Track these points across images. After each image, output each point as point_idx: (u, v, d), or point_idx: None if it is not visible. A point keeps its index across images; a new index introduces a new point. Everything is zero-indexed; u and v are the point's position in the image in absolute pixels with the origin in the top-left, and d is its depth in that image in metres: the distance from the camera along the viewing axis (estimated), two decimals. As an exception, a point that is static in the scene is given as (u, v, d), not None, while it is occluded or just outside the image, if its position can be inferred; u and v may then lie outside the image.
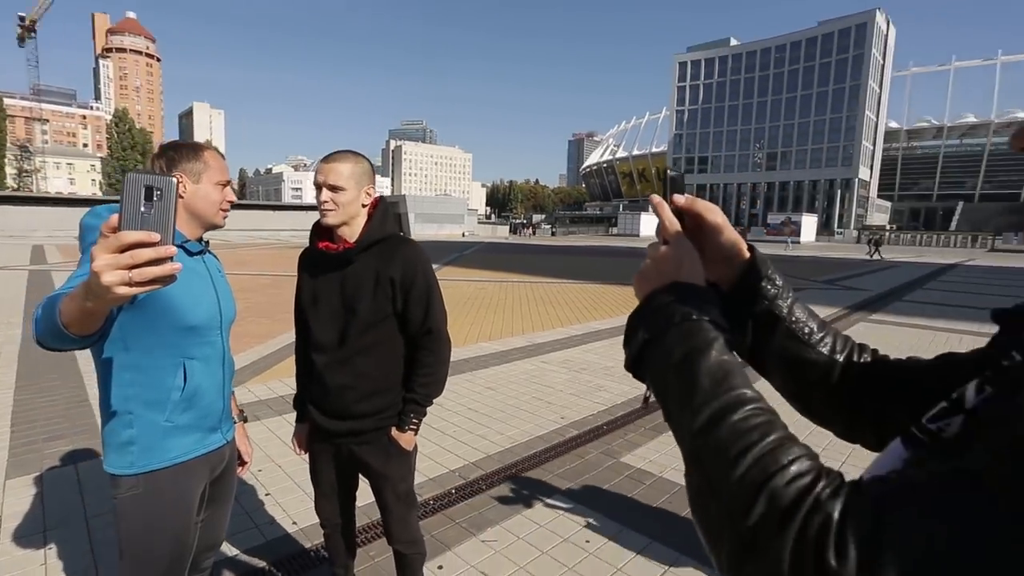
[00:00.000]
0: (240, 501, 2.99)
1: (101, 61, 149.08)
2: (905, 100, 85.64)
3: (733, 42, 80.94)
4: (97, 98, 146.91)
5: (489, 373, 5.60)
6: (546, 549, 2.61)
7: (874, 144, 72.98)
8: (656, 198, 0.65)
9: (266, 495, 3.09)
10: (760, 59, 77.30)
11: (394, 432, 1.81)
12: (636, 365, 0.57)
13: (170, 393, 1.45)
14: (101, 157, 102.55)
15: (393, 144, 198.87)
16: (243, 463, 1.85)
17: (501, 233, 61.25)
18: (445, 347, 1.85)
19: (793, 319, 0.70)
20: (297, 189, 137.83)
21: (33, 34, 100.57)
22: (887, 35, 70.92)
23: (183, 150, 1.52)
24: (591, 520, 2.87)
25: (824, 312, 9.68)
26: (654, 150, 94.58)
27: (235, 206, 1.63)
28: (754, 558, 0.39)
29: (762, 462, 0.42)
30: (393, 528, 1.92)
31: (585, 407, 4.61)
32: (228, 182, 1.58)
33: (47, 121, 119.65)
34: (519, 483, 3.27)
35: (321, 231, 1.80)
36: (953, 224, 67.84)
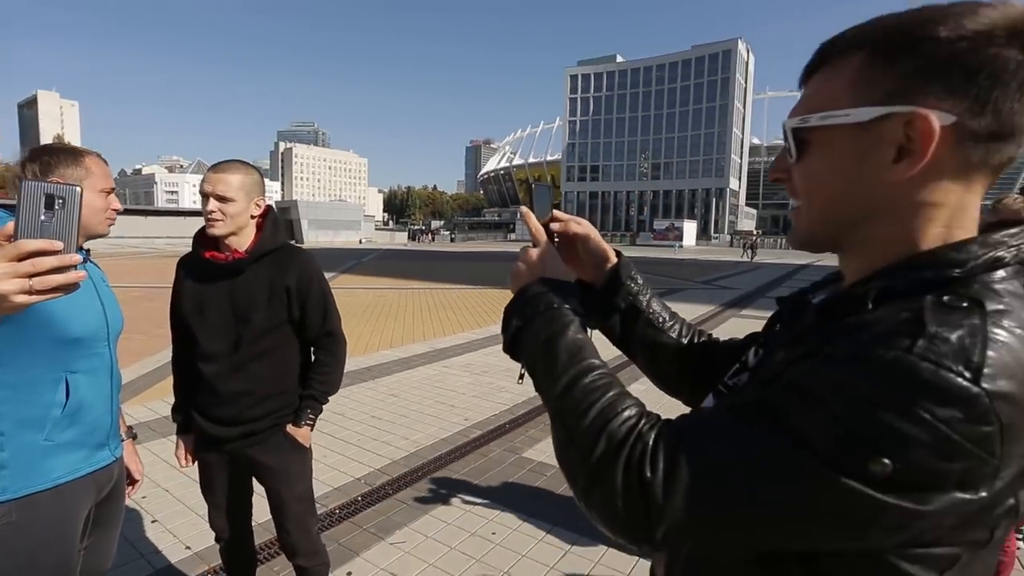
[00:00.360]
0: (123, 531, 2.77)
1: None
2: (764, 120, 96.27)
3: (619, 59, 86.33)
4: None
5: (391, 380, 5.58)
6: (454, 545, 2.71)
7: (741, 158, 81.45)
8: (523, 208, 0.80)
9: (153, 522, 2.89)
10: (643, 76, 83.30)
11: (290, 428, 1.82)
12: (511, 347, 0.70)
13: (50, 410, 1.37)
14: None
15: (283, 146, 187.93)
16: (133, 482, 1.77)
17: (400, 240, 60.15)
18: (342, 347, 1.93)
19: (651, 311, 0.89)
20: (172, 192, 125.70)
21: None
22: (748, 62, 79.59)
23: (60, 155, 1.45)
24: (497, 513, 3.00)
25: (702, 309, 10.68)
26: (549, 158, 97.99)
27: (102, 237, 1.57)
28: (599, 484, 0.52)
29: (603, 412, 0.55)
30: (293, 536, 1.89)
31: (488, 408, 4.76)
32: (112, 189, 1.53)
33: None
34: (426, 485, 3.34)
35: (206, 239, 1.77)
36: (806, 229, 77.20)
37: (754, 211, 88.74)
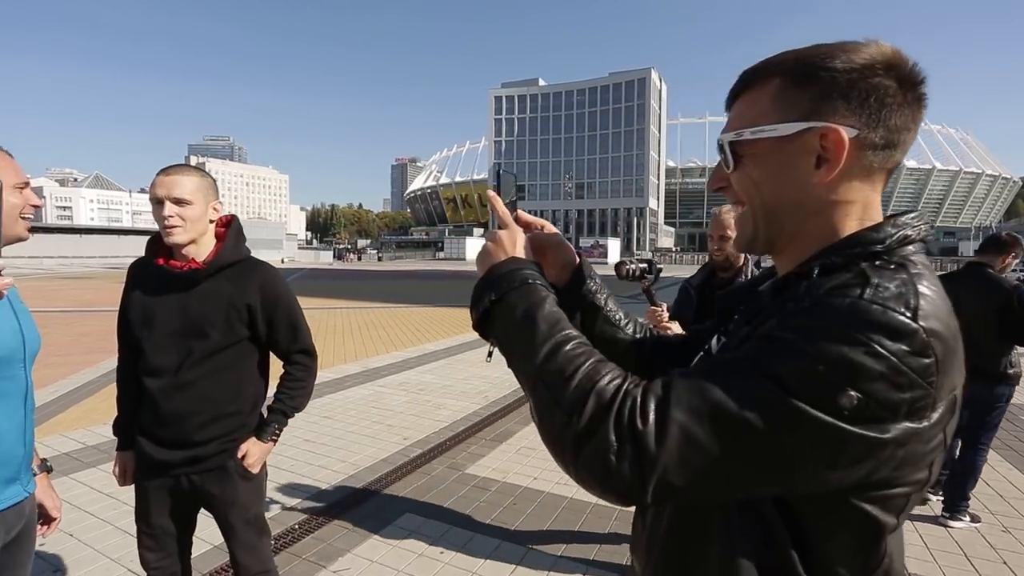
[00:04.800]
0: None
1: None
2: (678, 144, 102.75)
3: (541, 82, 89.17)
4: None
5: (324, 402, 5.35)
6: (402, 568, 2.62)
7: (658, 178, 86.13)
8: (490, 192, 0.84)
9: (55, 572, 2.58)
10: (565, 100, 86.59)
11: (251, 440, 1.70)
12: (481, 323, 0.72)
13: None
14: None
15: (195, 161, 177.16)
16: (49, 520, 1.58)
17: (324, 259, 58.18)
18: (315, 362, 1.86)
19: (608, 309, 0.95)
20: (65, 208, 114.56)
21: None
22: (661, 89, 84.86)
23: None
24: (443, 532, 2.94)
25: (629, 323, 11.07)
26: (476, 177, 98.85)
27: (22, 240, 1.42)
28: (589, 441, 0.55)
29: (589, 374, 0.58)
30: (246, 558, 1.75)
31: (427, 426, 4.67)
32: (26, 183, 1.39)
33: None
34: (367, 508, 3.21)
35: (159, 246, 1.66)
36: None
37: (672, 229, 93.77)
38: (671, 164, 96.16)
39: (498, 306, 0.69)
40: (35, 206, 1.41)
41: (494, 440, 4.34)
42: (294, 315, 1.78)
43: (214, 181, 1.71)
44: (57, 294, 16.15)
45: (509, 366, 0.67)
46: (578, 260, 0.94)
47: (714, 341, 0.80)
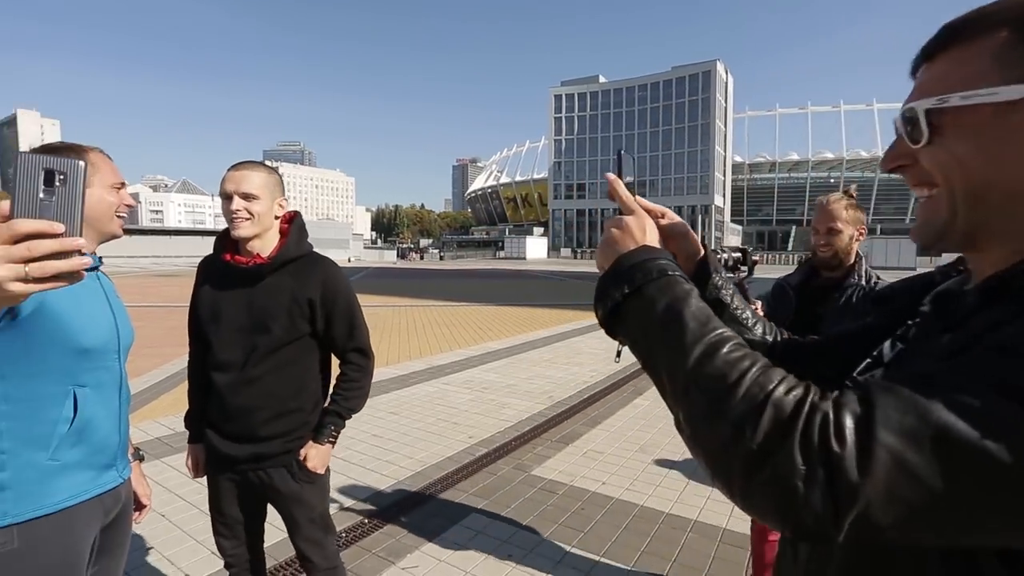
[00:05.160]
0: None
1: None
2: (745, 138, 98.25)
3: (602, 79, 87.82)
4: None
5: (391, 398, 5.45)
6: (469, 569, 2.59)
7: (724, 175, 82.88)
8: (610, 176, 0.74)
9: (150, 548, 2.74)
10: (626, 96, 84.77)
11: (310, 445, 1.71)
12: (611, 319, 0.63)
13: (56, 426, 1.26)
14: None
15: (270, 165, 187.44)
16: (141, 507, 1.65)
17: (388, 258, 59.97)
18: (371, 363, 1.84)
19: (735, 307, 0.84)
20: (157, 212, 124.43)
21: None
22: (727, 82, 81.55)
23: (63, 152, 1.37)
24: (511, 535, 2.89)
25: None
26: (536, 176, 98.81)
27: (116, 238, 1.49)
28: (767, 462, 0.45)
29: (759, 382, 0.48)
30: (312, 555, 1.78)
31: (492, 425, 4.65)
32: (123, 184, 1.44)
33: None
34: (434, 506, 3.22)
35: (228, 242, 1.69)
36: (790, 245, 78.81)
37: (739, 227, 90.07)
38: (738, 159, 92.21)
39: (632, 301, 0.60)
40: (129, 206, 1.47)
41: (560, 442, 4.26)
42: (353, 312, 1.77)
43: (280, 178, 1.74)
44: (150, 291, 17.47)
45: (646, 368, 0.59)
46: (703, 252, 0.84)
47: (887, 347, 0.66)
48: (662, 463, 3.83)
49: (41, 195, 0.65)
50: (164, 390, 5.54)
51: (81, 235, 0.68)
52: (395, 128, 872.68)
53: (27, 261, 0.65)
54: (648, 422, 4.72)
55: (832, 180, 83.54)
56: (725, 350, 0.52)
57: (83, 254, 0.69)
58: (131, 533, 1.58)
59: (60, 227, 0.66)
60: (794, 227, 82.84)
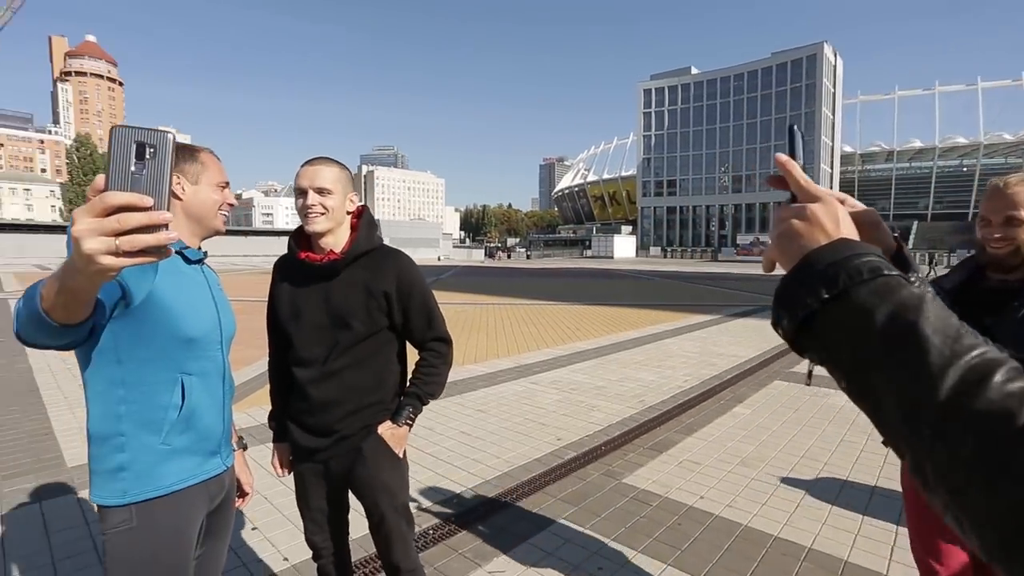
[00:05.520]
0: (225, 538, 2.78)
1: (60, 85, 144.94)
2: (856, 126, 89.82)
3: (694, 71, 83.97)
4: (56, 122, 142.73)
5: (478, 396, 5.46)
6: (558, 578, 2.48)
7: (832, 166, 76.34)
8: (782, 157, 0.58)
9: (253, 529, 2.89)
10: (720, 87, 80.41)
11: (387, 424, 1.70)
12: (802, 332, 0.48)
13: (166, 412, 1.31)
14: (61, 183, 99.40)
15: (365, 169, 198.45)
16: (243, 494, 1.70)
17: (476, 257, 61.27)
18: (451, 351, 1.83)
19: None
20: (268, 215, 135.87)
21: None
22: (836, 65, 74.94)
23: (178, 151, 1.42)
24: (601, 546, 2.75)
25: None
26: (624, 173, 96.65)
27: (219, 234, 1.54)
28: None
29: None
30: (394, 552, 1.77)
31: (580, 427, 4.51)
32: (227, 183, 1.50)
33: (2, 145, 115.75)
34: (520, 508, 3.14)
35: (301, 240, 1.71)
36: (911, 242, 70.90)
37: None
38: (848, 149, 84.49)
39: (835, 309, 0.46)
40: (231, 204, 1.51)
41: (652, 449, 4.03)
42: (429, 303, 1.75)
43: (351, 173, 1.73)
44: (259, 287, 18.99)
45: (852, 395, 0.45)
46: (897, 245, 0.68)
47: None
48: (768, 479, 3.50)
49: (132, 168, 0.64)
50: (271, 379, 5.92)
51: (168, 209, 0.67)
52: (483, 130, 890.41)
53: (118, 234, 0.65)
54: (750, 433, 4.36)
55: (965, 168, 74.39)
56: (1000, 377, 0.37)
57: (168, 229, 0.68)
58: (234, 517, 1.63)
59: (149, 200, 0.65)
60: (915, 222, 74.60)
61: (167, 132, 0.67)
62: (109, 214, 0.64)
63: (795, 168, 0.57)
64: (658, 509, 3.11)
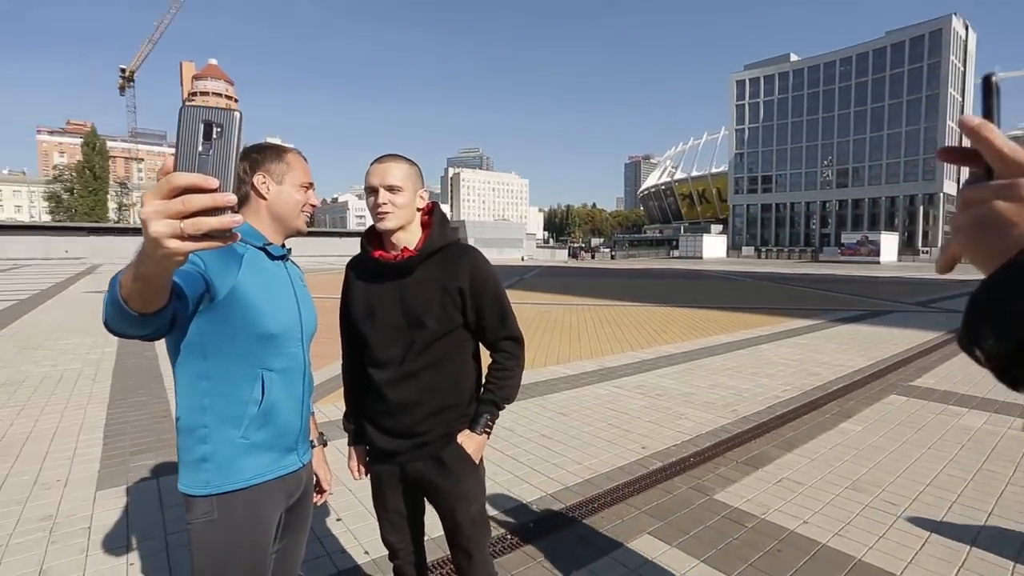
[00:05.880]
0: (313, 525, 2.87)
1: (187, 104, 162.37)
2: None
3: (793, 57, 78.28)
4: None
5: (560, 398, 5.34)
6: (642, 598, 2.32)
7: (959, 156, 68.07)
8: (973, 120, 0.43)
9: (337, 520, 2.97)
10: (824, 73, 74.28)
11: (465, 433, 1.65)
12: (1018, 356, 0.34)
13: (247, 407, 1.33)
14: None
15: (451, 172, 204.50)
16: (321, 491, 1.71)
17: (560, 257, 61.12)
18: (523, 351, 1.76)
19: None
20: (361, 216, 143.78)
21: (132, 83, 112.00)
22: (966, 40, 66.83)
23: (267, 151, 1.46)
24: (689, 566, 2.54)
25: (924, 336, 8.82)
26: (714, 170, 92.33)
27: (300, 234, 1.55)
28: None
29: None
30: (467, 560, 1.72)
31: (667, 436, 4.27)
32: (310, 184, 1.50)
33: (142, 160, 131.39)
34: (602, 518, 2.99)
35: (373, 239, 1.69)
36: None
37: (978, 220, 73.39)
38: (980, 136, 75.07)
39: None
40: (313, 205, 1.52)
41: (747, 464, 3.72)
42: (502, 300, 1.70)
43: (420, 170, 1.67)
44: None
45: None
46: None
47: None
48: (885, 509, 3.10)
49: (200, 148, 0.63)
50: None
51: (234, 191, 0.64)
52: (568, 129, 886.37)
53: (183, 217, 0.63)
54: (863, 453, 3.91)
55: None
56: None
57: (233, 212, 0.66)
58: (311, 514, 1.64)
59: (214, 182, 0.62)
60: (1064, 218, 64.90)
61: (234, 111, 0.64)
62: (175, 196, 0.62)
63: (994, 133, 0.41)
64: (754, 532, 2.84)
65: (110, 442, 4.12)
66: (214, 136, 0.63)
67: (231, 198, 0.63)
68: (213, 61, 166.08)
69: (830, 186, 73.91)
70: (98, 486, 3.38)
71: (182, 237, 0.63)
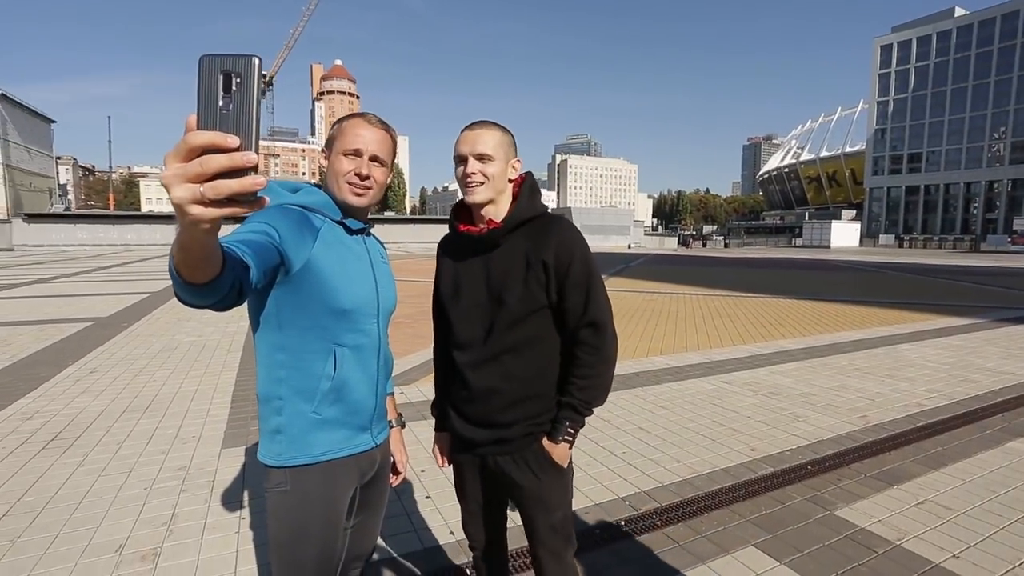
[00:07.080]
0: (402, 500, 2.95)
1: (316, 103, 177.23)
2: None
3: (959, 12, 67.43)
4: (313, 134, 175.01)
5: (661, 390, 5.06)
6: (743, 617, 2.08)
7: None
8: None
9: (427, 498, 3.01)
10: (1002, 27, 62.73)
11: (545, 442, 1.52)
12: None
13: (319, 381, 1.31)
14: (314, 183, 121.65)
15: (559, 158, 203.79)
16: (396, 473, 1.68)
17: (669, 245, 58.74)
18: (610, 345, 1.52)
19: None
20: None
21: (271, 87, 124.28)
22: None
23: (348, 118, 1.40)
24: (803, 588, 2.24)
25: (1122, 341, 7.23)
26: (848, 150, 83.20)
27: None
28: None
29: None
30: (546, 566, 1.60)
31: (780, 440, 3.86)
32: (356, 151, 1.33)
33: (278, 156, 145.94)
34: (701, 524, 2.75)
35: (462, 213, 1.59)
36: None
37: None
38: None
39: None
40: (361, 176, 1.35)
41: (878, 479, 3.24)
42: (591, 280, 1.49)
43: (513, 137, 1.53)
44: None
45: None
46: None
47: None
48: (1066, 546, 2.53)
49: (220, 103, 0.58)
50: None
51: (257, 151, 0.58)
52: (681, 107, 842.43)
53: (203, 180, 0.57)
54: (1034, 477, 3.25)
55: None
56: None
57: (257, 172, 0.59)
58: (388, 493, 1.62)
59: (234, 140, 0.56)
60: None
61: (252, 56, 0.57)
62: (194, 157, 0.57)
63: None
64: (886, 559, 2.45)
65: (236, 406, 4.55)
66: (234, 88, 0.57)
67: (251, 157, 0.57)
68: (339, 62, 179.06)
69: (1002, 163, 63.16)
70: (223, 444, 3.74)
71: (204, 203, 0.58)
